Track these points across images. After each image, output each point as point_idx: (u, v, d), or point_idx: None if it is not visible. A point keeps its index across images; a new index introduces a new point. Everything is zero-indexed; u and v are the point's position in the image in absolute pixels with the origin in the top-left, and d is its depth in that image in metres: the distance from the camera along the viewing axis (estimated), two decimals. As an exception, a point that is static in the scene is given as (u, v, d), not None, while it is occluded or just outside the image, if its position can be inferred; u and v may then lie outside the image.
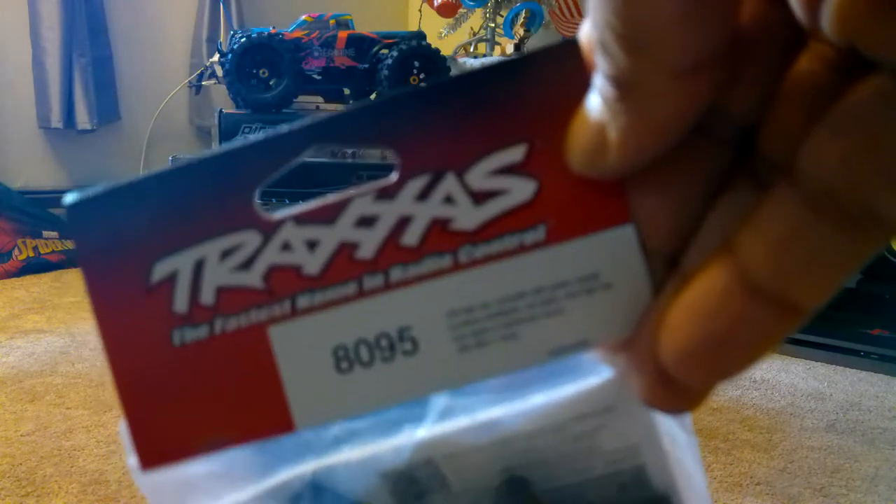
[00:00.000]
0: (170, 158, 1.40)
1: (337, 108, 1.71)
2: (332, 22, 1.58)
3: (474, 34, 2.31)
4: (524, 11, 2.19)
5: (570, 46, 0.14)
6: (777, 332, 0.13)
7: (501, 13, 2.25)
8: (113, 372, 0.16)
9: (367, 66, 1.59)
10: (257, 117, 1.51)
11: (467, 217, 0.15)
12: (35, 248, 1.91)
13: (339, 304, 0.15)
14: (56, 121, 2.10)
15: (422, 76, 1.59)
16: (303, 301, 0.15)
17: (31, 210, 2.00)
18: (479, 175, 0.15)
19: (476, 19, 2.32)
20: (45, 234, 1.96)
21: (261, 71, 1.51)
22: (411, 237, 0.15)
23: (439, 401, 0.18)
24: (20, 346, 1.29)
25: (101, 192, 0.15)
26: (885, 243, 0.12)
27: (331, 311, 0.15)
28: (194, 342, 0.15)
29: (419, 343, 0.16)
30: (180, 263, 0.15)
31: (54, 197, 2.13)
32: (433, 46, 1.61)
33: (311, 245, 0.15)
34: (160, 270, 0.15)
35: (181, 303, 0.15)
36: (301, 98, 1.63)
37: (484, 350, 0.16)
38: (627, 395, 0.17)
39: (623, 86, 0.13)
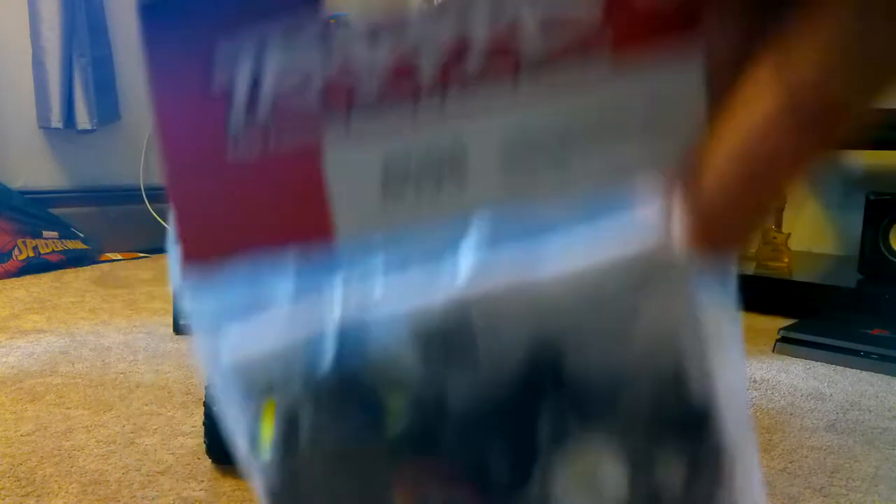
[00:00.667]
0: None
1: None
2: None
3: (474, 34, 2.31)
4: (524, 11, 2.19)
5: None
6: (814, 148, 0.13)
7: (501, 13, 2.25)
8: (169, 184, 0.16)
9: (367, 66, 1.59)
10: (257, 117, 1.51)
11: (531, 38, 0.14)
12: (35, 248, 1.91)
13: (394, 126, 0.15)
14: (56, 121, 2.10)
15: (422, 76, 1.59)
16: (358, 118, 0.15)
17: (31, 210, 2.00)
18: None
19: (476, 19, 2.32)
20: (45, 234, 1.96)
21: (261, 71, 1.51)
22: (473, 60, 0.15)
23: (482, 227, 0.16)
24: (20, 346, 1.29)
25: None
26: None
27: (385, 130, 0.15)
28: (248, 161, 0.15)
29: (470, 165, 0.15)
30: (240, 62, 0.15)
31: (54, 197, 2.13)
32: (433, 46, 1.61)
33: (372, 57, 0.15)
34: (221, 73, 0.15)
35: (238, 114, 0.15)
36: (301, 98, 1.63)
37: (533, 178, 0.15)
38: (673, 265, 0.15)
39: None
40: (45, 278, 1.82)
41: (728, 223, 0.14)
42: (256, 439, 0.17)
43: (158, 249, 2.15)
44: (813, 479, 0.90)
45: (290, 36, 0.15)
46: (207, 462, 0.87)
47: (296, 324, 0.16)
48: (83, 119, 2.13)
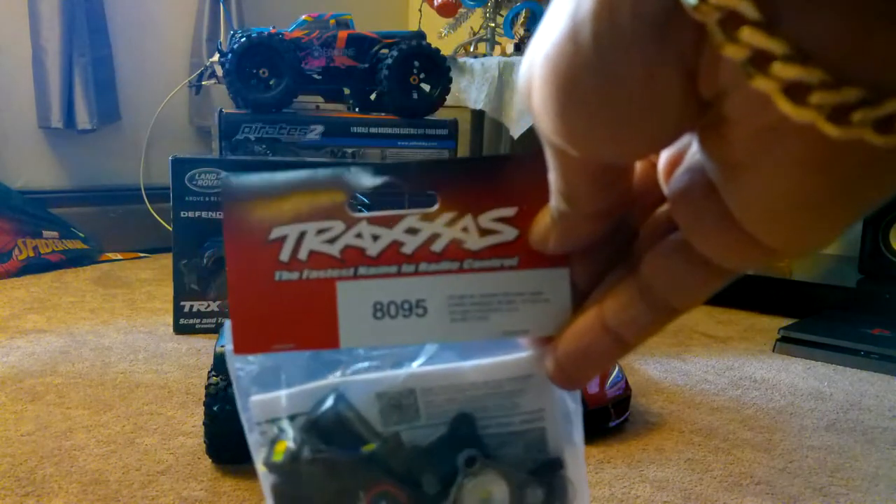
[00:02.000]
0: (170, 159, 1.40)
1: (337, 107, 1.71)
2: (332, 22, 1.58)
3: (474, 34, 2.31)
4: (524, 11, 2.19)
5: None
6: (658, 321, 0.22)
7: (501, 13, 2.25)
8: (231, 291, 0.24)
9: (367, 65, 1.59)
10: (257, 117, 1.51)
11: (473, 242, 0.24)
12: (35, 248, 1.90)
13: (383, 277, 0.24)
14: (56, 121, 2.10)
15: (422, 76, 1.59)
16: (362, 270, 0.24)
17: (31, 210, 1.99)
18: (486, 219, 0.24)
19: (476, 19, 2.32)
20: (45, 234, 1.95)
21: (261, 71, 1.50)
22: (437, 246, 0.24)
23: (430, 350, 0.27)
24: (20, 346, 1.29)
25: (253, 174, 0.24)
26: (674, 317, 0.22)
27: (378, 280, 0.24)
28: (288, 281, 0.24)
29: (428, 310, 0.25)
30: (290, 231, 0.24)
31: (54, 197, 2.13)
32: (433, 46, 1.61)
33: (375, 237, 0.24)
34: (276, 233, 0.24)
35: (285, 255, 0.24)
36: (301, 98, 1.63)
37: (465, 323, 0.25)
38: (540, 371, 0.25)
39: (561, 214, 0.22)
40: (45, 278, 1.82)
41: (577, 372, 0.24)
42: (271, 450, 0.26)
43: (158, 249, 2.14)
44: (813, 479, 0.90)
45: (321, 232, 0.24)
46: (207, 462, 0.87)
47: (305, 383, 0.26)
48: (83, 119, 2.13)
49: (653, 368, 1.28)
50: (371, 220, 0.24)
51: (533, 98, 0.19)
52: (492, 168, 0.24)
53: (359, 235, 0.24)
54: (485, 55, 2.20)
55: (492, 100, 2.01)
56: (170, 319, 1.45)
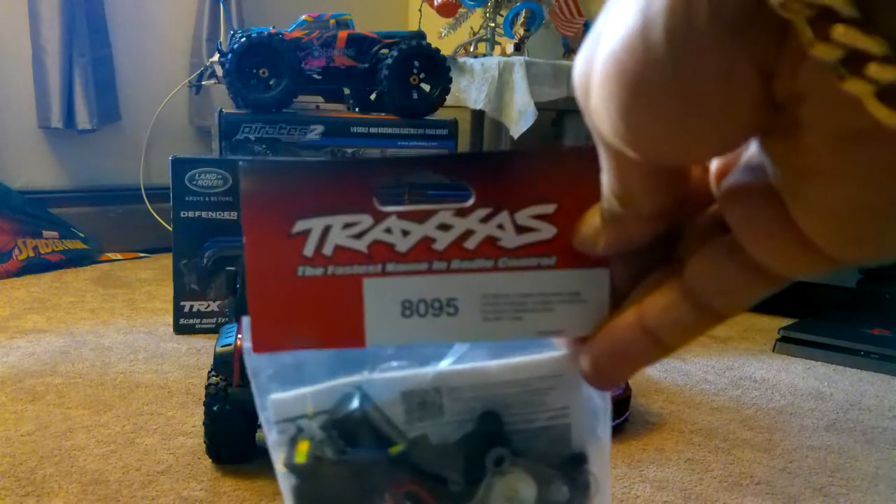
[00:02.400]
0: (170, 159, 1.40)
1: (337, 107, 1.71)
2: (332, 22, 1.58)
3: (474, 34, 2.31)
4: (524, 11, 2.19)
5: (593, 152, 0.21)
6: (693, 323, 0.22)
7: (501, 13, 2.25)
8: (250, 285, 0.23)
9: (367, 65, 1.59)
10: (257, 117, 1.51)
11: (509, 239, 0.23)
12: (35, 248, 1.91)
13: (413, 275, 0.23)
14: (56, 121, 2.10)
15: (422, 76, 1.59)
16: (390, 267, 0.23)
17: (31, 210, 1.99)
18: (524, 216, 0.23)
19: (476, 19, 2.32)
20: (45, 234, 1.95)
21: (261, 71, 1.50)
22: (471, 243, 0.23)
23: (458, 349, 0.26)
24: (20, 346, 1.29)
25: (273, 163, 0.22)
26: (716, 322, 0.21)
27: (407, 277, 0.23)
28: (311, 277, 0.23)
29: (459, 309, 0.24)
30: (315, 224, 0.23)
31: (54, 197, 2.13)
32: (433, 46, 1.61)
33: (405, 233, 0.23)
34: (300, 226, 0.23)
35: (309, 250, 0.23)
36: (301, 98, 1.63)
37: (499, 322, 0.24)
38: (572, 370, 0.25)
39: (613, 216, 0.21)
40: (45, 278, 1.82)
41: (613, 372, 0.24)
42: (293, 451, 0.25)
43: (158, 249, 2.14)
44: (813, 479, 0.90)
45: (348, 227, 0.23)
46: (207, 462, 0.87)
47: (330, 381, 0.26)
48: (83, 119, 2.13)
49: (653, 368, 1.28)
50: (401, 215, 0.23)
51: (591, 97, 0.18)
52: (530, 162, 0.23)
53: (388, 230, 0.23)
54: (485, 55, 2.20)
55: (492, 100, 2.01)
56: (170, 319, 1.45)
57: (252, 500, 0.80)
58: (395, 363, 0.26)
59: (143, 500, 0.79)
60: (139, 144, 2.27)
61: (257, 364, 0.25)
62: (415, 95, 1.59)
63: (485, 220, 0.23)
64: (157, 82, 2.30)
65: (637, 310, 0.23)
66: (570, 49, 2.40)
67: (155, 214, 2.15)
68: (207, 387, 0.84)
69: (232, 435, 0.84)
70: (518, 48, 2.21)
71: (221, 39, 2.24)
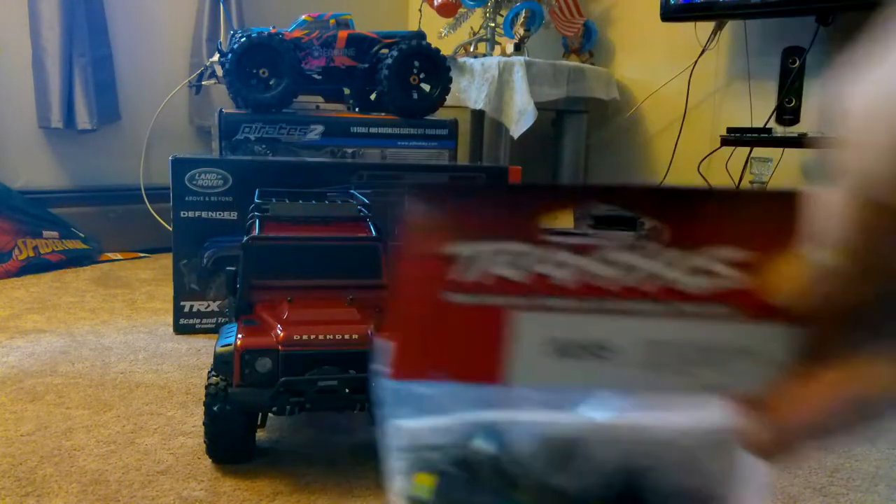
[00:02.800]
0: (170, 159, 1.40)
1: (337, 107, 1.71)
2: (332, 22, 1.58)
3: (474, 34, 2.31)
4: (524, 11, 2.19)
5: (806, 198, 0.19)
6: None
7: (501, 13, 2.25)
8: (400, 309, 0.22)
9: (367, 65, 1.59)
10: (257, 117, 1.51)
11: (689, 283, 0.21)
12: (35, 248, 1.91)
13: (571, 312, 0.21)
14: (56, 121, 2.10)
15: (422, 76, 1.59)
16: (546, 301, 0.21)
17: (31, 210, 1.99)
18: (709, 258, 0.21)
19: (476, 19, 2.32)
20: (45, 234, 1.95)
21: (261, 71, 1.50)
22: (643, 283, 0.21)
23: (614, 399, 0.23)
24: (20, 346, 1.29)
25: (439, 186, 0.22)
26: None
27: (563, 314, 0.21)
28: (457, 304, 0.22)
29: (618, 354, 0.21)
30: (468, 249, 0.21)
31: (54, 197, 2.13)
32: (433, 46, 1.61)
33: (565, 266, 0.21)
34: (453, 248, 0.21)
35: (458, 274, 0.22)
36: (301, 98, 1.63)
37: (661, 373, 0.21)
38: (740, 436, 0.22)
39: (835, 270, 0.19)
40: (45, 278, 1.82)
41: (799, 446, 0.21)
42: (411, 482, 0.24)
43: (158, 249, 2.14)
44: (813, 479, 0.90)
45: (500, 253, 0.21)
46: (207, 462, 0.87)
47: (459, 416, 0.24)
48: (83, 119, 2.13)
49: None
50: (564, 247, 0.21)
51: (880, 141, 0.16)
52: (724, 202, 0.21)
53: (547, 262, 0.21)
54: (485, 55, 2.20)
55: (492, 100, 2.01)
56: (170, 319, 1.45)
57: (252, 500, 0.80)
58: (532, 403, 0.24)
59: (143, 500, 0.79)
60: (139, 144, 2.27)
61: (388, 388, 0.24)
62: (415, 95, 1.59)
63: (662, 258, 0.21)
64: (157, 82, 2.30)
65: (843, 379, 0.20)
66: (570, 49, 2.40)
67: (155, 214, 2.15)
68: (207, 387, 0.83)
69: (232, 435, 0.84)
70: (518, 48, 2.21)
71: (221, 39, 2.25)
